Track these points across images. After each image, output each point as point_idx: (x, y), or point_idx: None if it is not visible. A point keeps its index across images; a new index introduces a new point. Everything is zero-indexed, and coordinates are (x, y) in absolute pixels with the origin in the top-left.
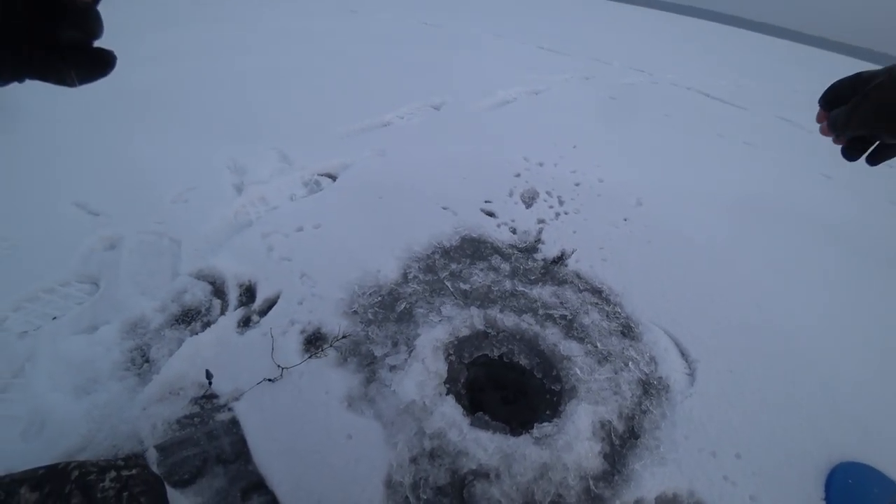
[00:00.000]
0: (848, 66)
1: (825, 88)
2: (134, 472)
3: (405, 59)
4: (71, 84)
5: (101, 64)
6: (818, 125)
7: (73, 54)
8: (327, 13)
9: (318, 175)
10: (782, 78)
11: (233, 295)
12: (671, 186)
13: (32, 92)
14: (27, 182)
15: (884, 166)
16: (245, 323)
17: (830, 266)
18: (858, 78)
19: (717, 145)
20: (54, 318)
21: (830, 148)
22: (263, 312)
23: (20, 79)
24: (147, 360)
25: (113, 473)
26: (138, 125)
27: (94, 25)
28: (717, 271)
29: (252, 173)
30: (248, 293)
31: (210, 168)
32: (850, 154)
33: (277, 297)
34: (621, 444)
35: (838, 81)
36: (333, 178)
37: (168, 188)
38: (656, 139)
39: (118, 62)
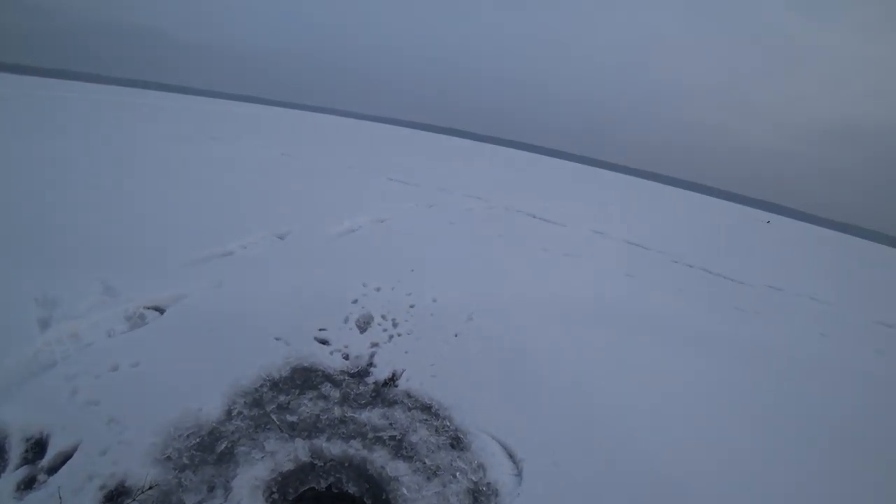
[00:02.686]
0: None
1: None
2: None
3: (255, 187)
4: None
5: None
6: (624, 236)
7: None
8: (186, 138)
9: (145, 308)
10: (596, 198)
11: (15, 452)
12: (500, 300)
13: None
14: None
15: (681, 265)
16: (28, 485)
17: (642, 351)
18: None
19: (541, 258)
20: None
21: (631, 253)
22: (54, 469)
23: None
24: None
25: None
26: None
27: None
28: (542, 371)
29: (65, 306)
30: (38, 447)
31: (12, 298)
32: None
33: (74, 449)
34: None
35: None
36: (162, 311)
37: None
38: (487, 257)
39: None
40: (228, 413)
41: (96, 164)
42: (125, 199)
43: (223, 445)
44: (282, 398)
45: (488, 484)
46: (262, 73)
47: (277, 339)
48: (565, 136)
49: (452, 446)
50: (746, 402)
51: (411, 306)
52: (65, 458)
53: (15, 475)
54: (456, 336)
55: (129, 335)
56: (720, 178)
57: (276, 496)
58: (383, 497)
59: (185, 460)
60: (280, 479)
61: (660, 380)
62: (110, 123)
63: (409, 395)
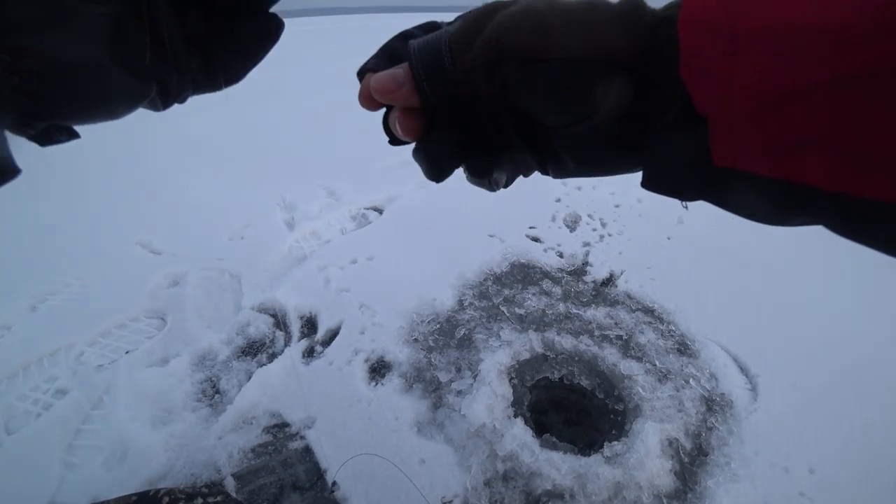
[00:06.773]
0: None
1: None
2: (219, 499)
3: None
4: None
5: (271, 35)
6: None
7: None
8: (361, 53)
9: (366, 209)
10: None
11: (295, 327)
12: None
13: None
14: (92, 224)
15: None
16: (309, 353)
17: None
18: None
19: None
20: (127, 351)
21: None
22: (326, 343)
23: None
24: (218, 392)
25: (200, 500)
26: (190, 169)
27: None
28: (768, 285)
29: (302, 209)
30: (310, 324)
31: (262, 206)
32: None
33: (339, 328)
34: (691, 461)
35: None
36: (380, 211)
37: (224, 227)
38: None
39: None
40: (461, 303)
41: (288, 91)
42: (323, 118)
43: (462, 332)
44: (507, 292)
45: (722, 394)
46: None
47: (491, 235)
48: None
49: (680, 352)
50: None
51: (616, 206)
52: (332, 334)
53: (300, 345)
54: (669, 239)
55: (359, 232)
56: None
57: (515, 382)
58: (615, 393)
59: (431, 343)
60: (518, 366)
61: None
62: (296, 50)
63: (629, 297)
